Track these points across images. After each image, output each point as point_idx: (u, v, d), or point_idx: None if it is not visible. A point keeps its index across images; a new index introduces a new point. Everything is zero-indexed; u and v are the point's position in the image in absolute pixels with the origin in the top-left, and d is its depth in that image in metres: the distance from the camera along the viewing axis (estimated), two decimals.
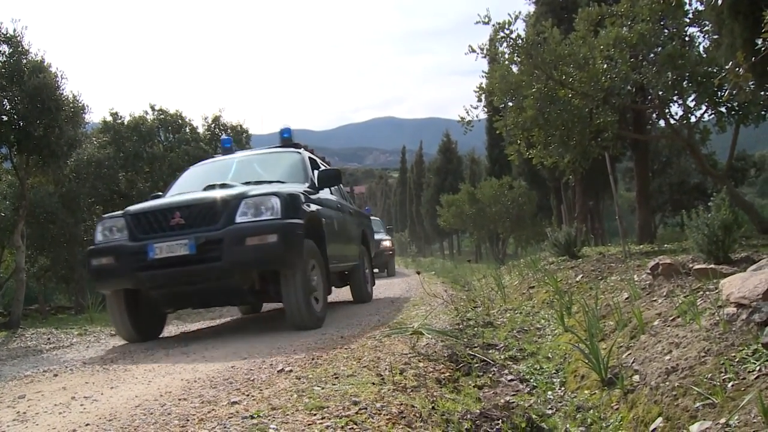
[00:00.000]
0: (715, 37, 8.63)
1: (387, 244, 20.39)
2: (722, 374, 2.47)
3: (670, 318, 3.55)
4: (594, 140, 9.14)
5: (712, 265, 4.43)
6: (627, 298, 4.78)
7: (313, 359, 4.35)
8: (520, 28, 25.35)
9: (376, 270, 17.26)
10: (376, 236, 16.71)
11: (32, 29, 8.72)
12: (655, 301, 4.25)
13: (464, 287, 14.09)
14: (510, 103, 9.34)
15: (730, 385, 2.37)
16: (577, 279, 6.97)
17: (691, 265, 4.70)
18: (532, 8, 17.32)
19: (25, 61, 8.59)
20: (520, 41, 8.53)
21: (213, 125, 16.21)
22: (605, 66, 8.49)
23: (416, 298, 9.88)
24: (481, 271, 20.33)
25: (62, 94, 8.83)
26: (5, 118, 8.25)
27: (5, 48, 8.57)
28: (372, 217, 23.27)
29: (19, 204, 9.58)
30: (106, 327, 9.30)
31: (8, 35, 8.57)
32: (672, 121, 9.56)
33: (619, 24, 8.60)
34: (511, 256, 20.12)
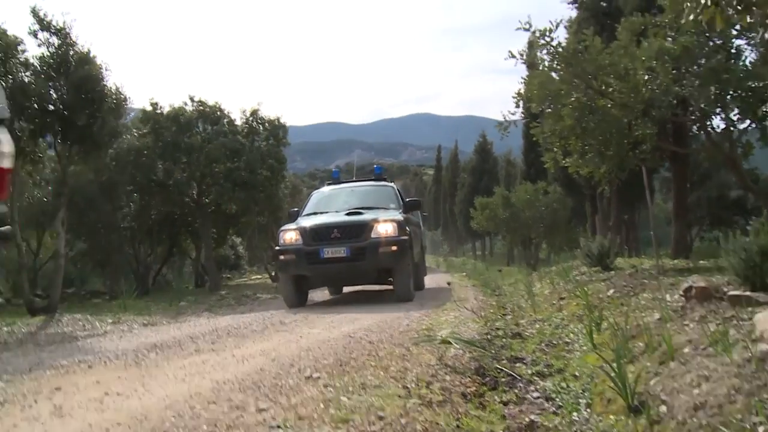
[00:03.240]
0: (761, 50, 8.49)
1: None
2: (753, 416, 2.44)
3: (701, 347, 3.50)
4: (632, 152, 9.03)
5: (748, 292, 4.37)
6: (658, 319, 4.73)
7: (341, 365, 4.39)
8: (560, 35, 25.04)
9: None
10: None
11: (80, 21, 8.89)
12: (686, 325, 4.20)
13: (494, 291, 14.06)
14: (548, 110, 9.26)
15: (761, 429, 2.35)
16: (609, 293, 6.90)
17: (725, 290, 4.64)
18: (574, 13, 17.20)
19: (72, 52, 8.76)
20: (560, 49, 8.46)
21: (251, 119, 16.33)
22: (646, 77, 8.38)
23: (445, 303, 9.89)
24: (512, 275, 20.22)
25: (105, 85, 9.00)
26: (51, 107, 8.41)
27: (54, 40, 8.75)
28: (389, 184, 24.68)
29: (60, 191, 9.76)
30: (139, 315, 9.49)
31: (58, 27, 8.74)
32: (713, 134, 9.42)
33: (662, 35, 8.48)
34: (543, 260, 19.99)
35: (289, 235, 9.80)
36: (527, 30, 8.72)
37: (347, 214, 10.08)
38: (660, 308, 4.90)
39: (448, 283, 14.26)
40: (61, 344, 6.91)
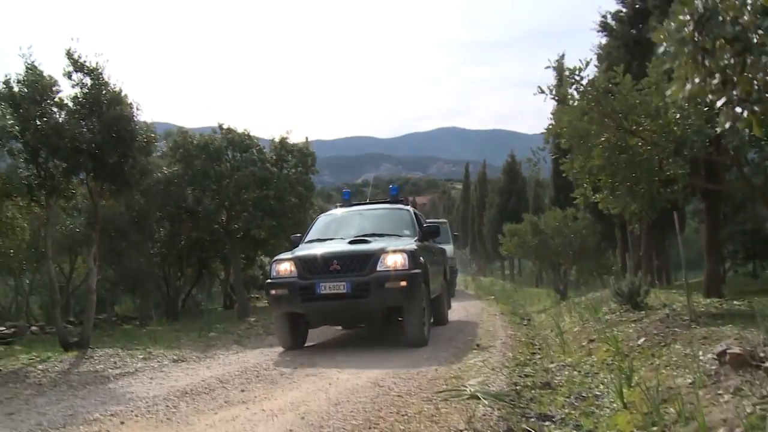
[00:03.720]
0: None
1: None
2: None
3: (737, 430, 3.44)
4: (663, 189, 8.94)
5: None
6: (691, 383, 4.65)
7: (370, 428, 4.40)
8: (591, 67, 24.89)
9: None
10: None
11: (112, 61, 9.05)
12: (720, 395, 4.12)
13: (523, 320, 13.96)
14: (578, 149, 9.21)
15: None
16: (639, 342, 6.81)
17: (762, 354, 4.55)
18: (603, 40, 17.11)
19: (104, 92, 8.91)
20: (590, 88, 8.41)
21: (280, 147, 16.47)
22: (678, 116, 8.29)
23: (474, 338, 9.85)
24: (540, 299, 20.10)
25: (136, 125, 9.14)
26: (84, 146, 8.56)
27: (87, 80, 8.91)
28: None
29: (92, 226, 9.91)
30: (169, 349, 9.58)
31: (91, 68, 8.91)
32: (746, 170, 9.30)
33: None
34: (572, 283, 19.81)
35: (283, 266, 8.76)
36: (555, 68, 8.72)
37: (351, 243, 8.99)
38: (693, 369, 4.83)
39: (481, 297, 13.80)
40: (93, 386, 7.00)
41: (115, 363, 8.37)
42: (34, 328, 12.35)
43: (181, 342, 10.59)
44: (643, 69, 9.07)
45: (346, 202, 11.79)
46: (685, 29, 2.54)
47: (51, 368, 7.97)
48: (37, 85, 8.52)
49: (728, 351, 4.65)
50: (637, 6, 16.04)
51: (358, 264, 8.39)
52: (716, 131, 8.28)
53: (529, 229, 17.16)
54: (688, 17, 2.51)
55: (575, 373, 6.69)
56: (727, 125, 2.66)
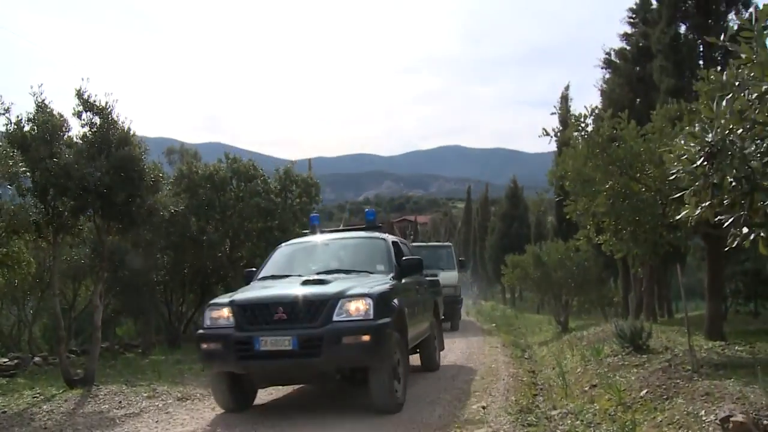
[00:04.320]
0: None
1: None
2: None
3: None
4: (666, 234, 9.03)
5: None
6: None
7: None
8: (592, 99, 24.90)
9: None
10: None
11: (121, 101, 9.16)
12: None
13: (524, 353, 13.98)
14: (581, 193, 9.32)
15: None
16: (642, 394, 6.86)
17: (766, 423, 4.61)
18: (607, 75, 17.28)
19: (113, 132, 9.02)
20: (595, 135, 8.53)
21: (284, 178, 16.57)
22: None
23: (477, 374, 9.88)
24: (542, 329, 20.10)
25: (144, 165, 9.23)
26: (92, 187, 8.65)
27: (97, 119, 9.02)
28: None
29: (99, 266, 9.98)
30: (173, 385, 9.61)
31: (100, 107, 9.02)
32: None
33: (698, 121, 8.49)
34: (573, 311, 19.83)
35: (217, 312, 7.17)
36: (560, 110, 8.84)
37: (304, 284, 7.28)
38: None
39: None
40: (99, 430, 7.05)
41: (119, 402, 8.40)
42: (37, 359, 12.36)
43: (184, 377, 10.61)
44: (646, 107, 9.23)
45: (314, 229, 9.99)
46: (697, 159, 2.63)
47: (56, 409, 8.00)
48: (47, 124, 8.63)
49: (732, 419, 4.70)
50: (640, 45, 16.20)
51: (309, 312, 6.75)
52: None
53: (531, 261, 17.21)
54: (698, 148, 2.60)
55: (578, 422, 6.73)
56: (734, 244, 2.74)
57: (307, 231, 10.40)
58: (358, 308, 6.73)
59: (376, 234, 9.38)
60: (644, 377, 7.55)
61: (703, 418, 5.21)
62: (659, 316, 17.18)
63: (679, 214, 7.05)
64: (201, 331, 7.26)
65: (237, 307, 7.03)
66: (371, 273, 8.02)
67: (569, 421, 6.85)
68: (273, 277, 8.28)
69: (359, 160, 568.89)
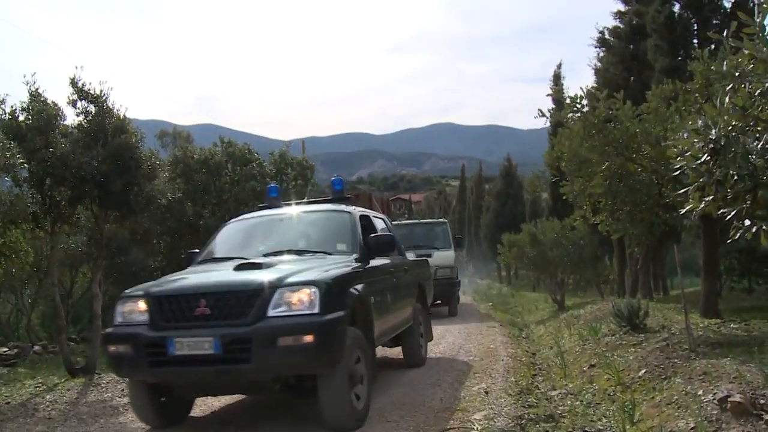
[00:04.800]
0: None
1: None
2: None
3: None
4: (662, 215, 9.08)
5: None
6: (692, 429, 4.77)
7: None
8: (588, 80, 24.65)
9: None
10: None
11: (111, 84, 9.09)
12: None
13: (522, 332, 14.09)
14: (577, 174, 9.35)
15: None
16: (640, 374, 6.93)
17: (763, 402, 4.67)
18: (601, 53, 17.23)
19: (108, 120, 8.99)
20: (591, 117, 8.54)
21: (279, 161, 16.56)
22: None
23: (474, 358, 9.92)
24: (538, 306, 20.24)
25: (141, 152, 9.21)
26: (89, 176, 8.63)
27: (92, 108, 8.99)
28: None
29: (97, 255, 9.99)
30: None
31: (95, 95, 8.99)
32: None
33: (692, 101, 8.52)
34: (570, 289, 19.96)
35: (130, 305, 5.75)
36: (554, 97, 8.84)
37: (237, 268, 5.89)
38: (693, 412, 4.94)
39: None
40: (104, 419, 7.08)
41: (122, 390, 8.43)
42: (36, 347, 12.41)
43: None
44: (640, 86, 9.24)
45: (273, 201, 8.43)
46: (701, 155, 2.66)
47: (59, 398, 8.02)
48: (42, 114, 8.59)
49: (729, 399, 4.77)
50: (634, 23, 16.15)
51: (237, 306, 5.29)
52: None
53: (528, 240, 17.29)
54: (702, 144, 2.62)
55: (577, 402, 6.81)
56: (737, 236, 2.78)
57: (264, 204, 8.68)
58: (300, 300, 5.23)
59: (341, 207, 7.70)
60: (642, 357, 7.62)
61: (702, 398, 5.27)
62: (655, 293, 17.28)
63: (684, 207, 7.15)
64: (109, 329, 5.85)
65: (152, 298, 5.59)
66: (329, 254, 6.58)
67: (569, 402, 6.94)
68: (214, 259, 6.92)
69: (352, 139, 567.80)
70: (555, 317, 15.25)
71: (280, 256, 6.54)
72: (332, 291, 5.43)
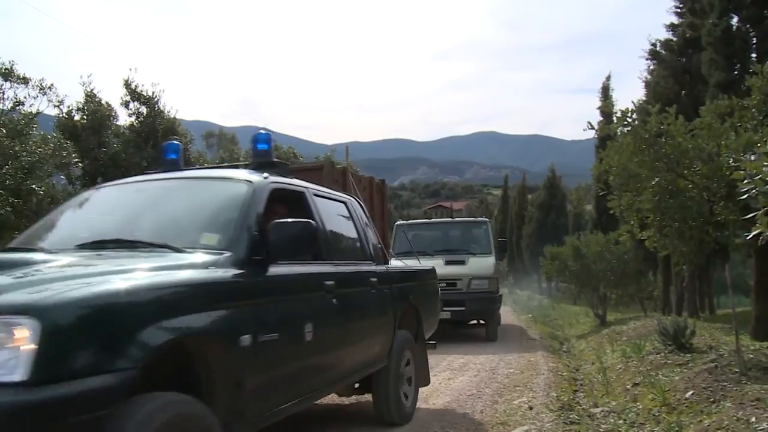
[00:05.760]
0: None
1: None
2: None
3: None
4: (713, 233, 8.87)
5: None
6: None
7: None
8: (638, 93, 24.28)
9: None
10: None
11: (168, 91, 9.28)
12: None
13: (562, 346, 13.92)
14: (625, 190, 9.20)
15: None
16: (687, 396, 6.77)
17: None
18: (652, 66, 16.95)
19: (158, 122, 9.14)
20: (642, 131, 8.39)
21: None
22: (731, 161, 8.22)
23: (514, 370, 9.82)
24: (579, 320, 19.95)
25: (190, 154, 9.34)
26: None
27: (144, 109, 9.15)
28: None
29: None
30: None
31: (147, 96, 9.15)
32: None
33: (749, 117, 8.31)
34: (612, 305, 19.67)
35: None
36: (604, 110, 8.73)
37: None
38: None
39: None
40: None
41: None
42: None
43: None
44: (692, 100, 9.07)
45: (171, 163, 5.48)
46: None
47: None
48: (96, 114, 8.78)
49: None
50: (687, 36, 15.85)
51: None
52: None
53: (571, 253, 17.04)
54: None
55: (620, 421, 6.68)
56: None
57: (153, 170, 5.71)
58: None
59: (239, 174, 4.71)
60: (689, 378, 7.44)
61: (755, 426, 5.11)
62: (701, 312, 16.91)
63: (752, 231, 6.99)
64: None
65: None
66: (180, 251, 3.68)
67: (612, 420, 6.82)
68: (17, 249, 4.23)
69: (394, 145, 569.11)
70: (597, 332, 15.01)
71: (99, 250, 3.78)
72: (75, 330, 2.47)
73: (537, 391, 8.24)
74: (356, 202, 6.30)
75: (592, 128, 9.23)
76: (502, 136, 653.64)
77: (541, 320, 20.46)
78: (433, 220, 17.28)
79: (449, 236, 15.30)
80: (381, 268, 6.08)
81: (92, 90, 8.96)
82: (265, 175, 4.65)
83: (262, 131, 5.30)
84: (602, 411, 7.28)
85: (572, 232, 30.58)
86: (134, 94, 9.04)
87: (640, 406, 7.17)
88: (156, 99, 9.11)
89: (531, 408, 7.19)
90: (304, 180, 5.44)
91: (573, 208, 38.13)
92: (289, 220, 4.14)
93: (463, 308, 12.88)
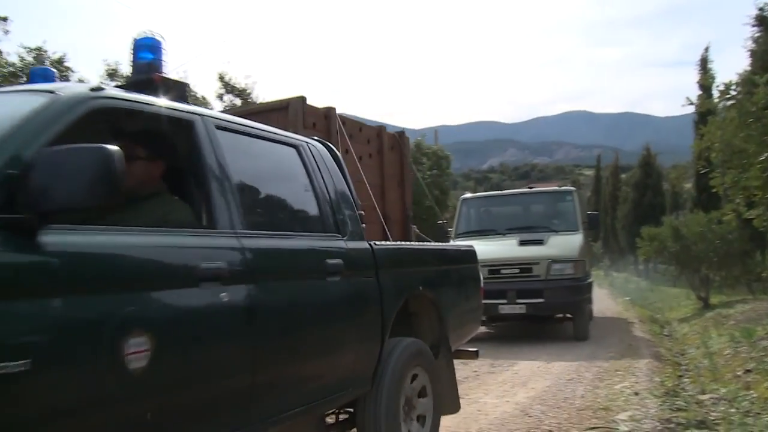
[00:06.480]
0: None
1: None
2: None
3: None
4: None
5: None
6: None
7: None
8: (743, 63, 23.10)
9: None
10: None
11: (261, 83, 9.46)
12: None
13: (663, 329, 13.48)
14: (730, 166, 8.81)
15: None
16: None
17: None
18: (758, 33, 15.96)
19: None
20: (748, 104, 7.99)
21: (415, 149, 16.60)
22: None
23: (615, 355, 9.57)
24: (679, 303, 19.27)
25: None
26: None
27: (238, 102, 9.37)
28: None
29: None
30: None
31: (240, 89, 9.36)
32: None
33: None
34: (715, 287, 18.91)
35: None
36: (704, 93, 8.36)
37: None
38: None
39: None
40: None
41: None
42: None
43: None
44: None
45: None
46: None
47: None
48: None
49: None
50: None
51: None
52: None
53: (670, 234, 16.43)
54: None
55: (732, 410, 6.40)
56: None
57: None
58: None
59: (51, 86, 2.54)
60: None
61: None
62: None
63: None
64: None
65: None
66: None
67: (723, 408, 6.53)
68: None
69: (483, 127, 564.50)
70: (700, 315, 14.45)
71: None
72: None
73: (639, 376, 8.02)
74: (320, 150, 3.98)
75: (691, 103, 8.89)
76: (592, 115, 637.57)
77: (639, 303, 19.88)
78: (506, 191, 15.34)
79: (526, 211, 12.81)
80: (356, 245, 3.82)
81: (188, 83, 9.18)
82: (97, 87, 2.56)
83: (148, 35, 3.14)
84: (711, 398, 7.00)
85: (670, 212, 29.46)
86: (228, 87, 9.24)
87: (755, 395, 6.82)
88: (249, 91, 9.28)
89: (636, 393, 6.99)
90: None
91: (671, 187, 36.72)
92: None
93: (541, 300, 10.35)
